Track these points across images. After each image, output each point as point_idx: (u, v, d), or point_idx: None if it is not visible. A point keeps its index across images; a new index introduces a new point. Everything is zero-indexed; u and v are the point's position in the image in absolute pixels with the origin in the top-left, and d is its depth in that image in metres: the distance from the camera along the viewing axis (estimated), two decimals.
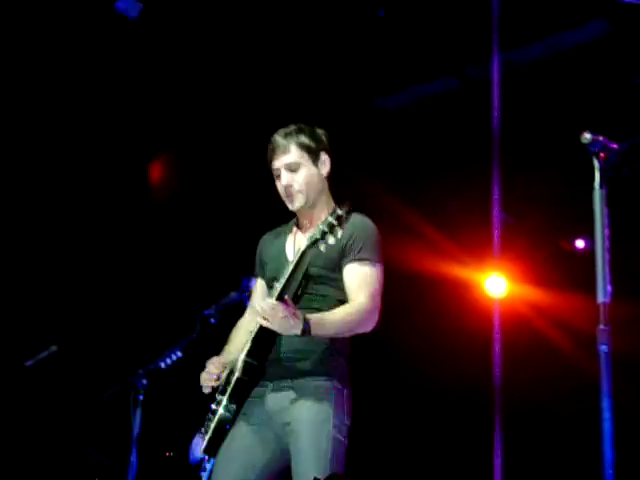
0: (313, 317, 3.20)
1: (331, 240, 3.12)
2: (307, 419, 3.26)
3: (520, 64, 5.68)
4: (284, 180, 3.47)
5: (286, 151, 3.47)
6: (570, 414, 5.59)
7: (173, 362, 4.28)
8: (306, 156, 3.46)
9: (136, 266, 6.55)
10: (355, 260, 3.36)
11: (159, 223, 6.57)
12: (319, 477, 3.12)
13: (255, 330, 3.30)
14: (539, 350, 6.09)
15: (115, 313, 6.26)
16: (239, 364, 3.31)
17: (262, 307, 3.16)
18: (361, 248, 3.37)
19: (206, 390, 3.40)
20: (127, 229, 6.48)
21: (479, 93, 5.84)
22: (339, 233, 3.11)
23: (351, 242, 3.38)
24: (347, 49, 5.70)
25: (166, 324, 5.55)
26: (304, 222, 3.55)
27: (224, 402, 3.33)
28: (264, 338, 3.31)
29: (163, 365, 4.32)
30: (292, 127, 3.52)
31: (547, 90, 5.70)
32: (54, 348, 4.67)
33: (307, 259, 3.25)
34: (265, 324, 3.17)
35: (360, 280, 3.34)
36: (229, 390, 3.32)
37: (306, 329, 3.16)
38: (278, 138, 3.49)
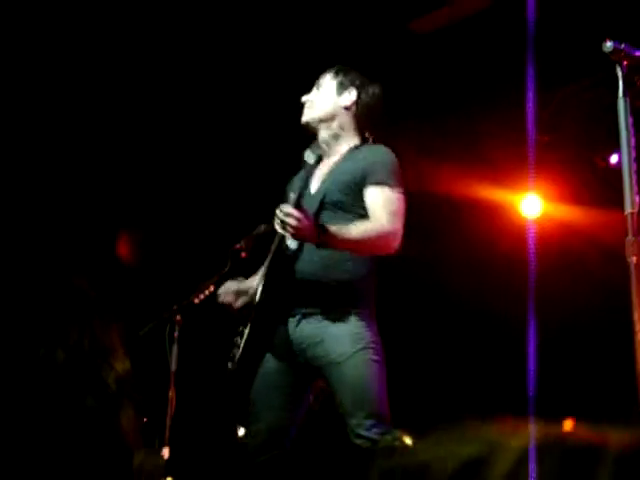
0: (331, 227, 3.20)
1: None
2: (342, 351, 3.28)
3: None
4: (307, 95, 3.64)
5: (321, 77, 3.65)
6: (604, 331, 5.57)
7: (206, 297, 4.29)
8: (333, 83, 3.59)
9: (170, 203, 6.55)
10: (374, 183, 3.38)
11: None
12: (367, 404, 3.13)
13: (272, 250, 3.31)
14: (573, 269, 6.04)
15: (149, 250, 6.28)
16: (258, 289, 3.35)
17: (277, 213, 3.15)
18: (378, 172, 3.40)
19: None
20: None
21: (510, 9, 5.70)
22: None
23: (369, 167, 3.42)
24: None
25: (198, 260, 5.56)
26: (328, 156, 3.57)
27: (246, 333, 3.36)
28: (281, 260, 3.30)
29: (196, 301, 4.34)
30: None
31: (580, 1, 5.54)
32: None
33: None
34: (280, 230, 3.16)
35: (382, 201, 3.37)
36: (250, 320, 3.37)
37: (322, 238, 3.15)
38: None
